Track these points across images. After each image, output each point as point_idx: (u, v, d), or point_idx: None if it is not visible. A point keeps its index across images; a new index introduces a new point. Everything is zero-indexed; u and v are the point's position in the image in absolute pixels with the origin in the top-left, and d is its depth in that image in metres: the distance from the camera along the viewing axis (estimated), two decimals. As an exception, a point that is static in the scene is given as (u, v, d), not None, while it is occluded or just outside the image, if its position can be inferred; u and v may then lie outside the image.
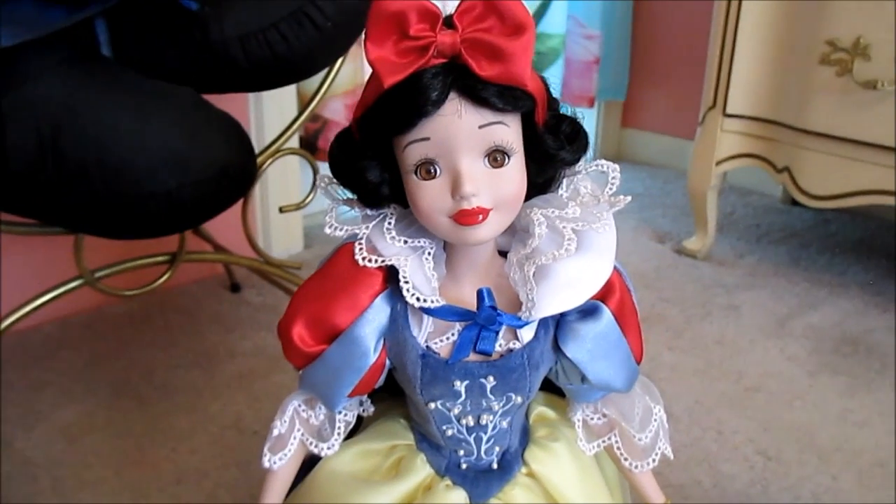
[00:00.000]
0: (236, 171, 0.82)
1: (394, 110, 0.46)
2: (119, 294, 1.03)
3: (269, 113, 1.48)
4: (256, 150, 0.95)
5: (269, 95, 1.46)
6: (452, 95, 0.46)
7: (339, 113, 1.59)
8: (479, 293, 0.50)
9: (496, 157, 0.47)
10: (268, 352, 1.24)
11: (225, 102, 0.91)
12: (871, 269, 1.57)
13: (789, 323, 1.36)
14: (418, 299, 0.49)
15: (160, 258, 1.06)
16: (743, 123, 1.48)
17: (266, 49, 0.81)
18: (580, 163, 0.53)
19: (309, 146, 1.62)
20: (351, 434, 0.60)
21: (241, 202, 0.99)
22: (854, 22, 1.28)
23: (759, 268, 1.58)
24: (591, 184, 0.54)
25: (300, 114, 1.06)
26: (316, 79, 1.05)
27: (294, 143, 1.39)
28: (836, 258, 1.62)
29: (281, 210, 1.10)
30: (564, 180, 0.54)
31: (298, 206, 1.08)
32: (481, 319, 0.51)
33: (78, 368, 1.20)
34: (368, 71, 0.47)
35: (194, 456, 1.01)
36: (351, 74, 1.53)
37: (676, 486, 0.96)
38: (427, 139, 0.46)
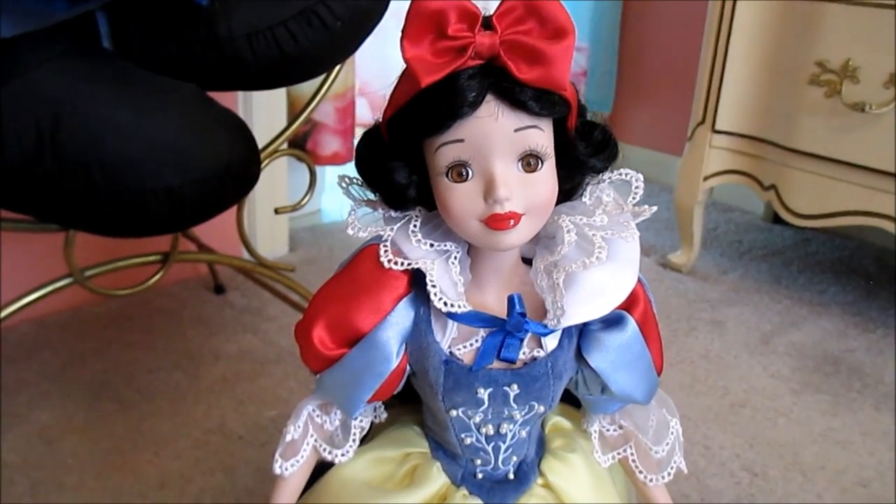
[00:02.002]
0: (240, 169, 0.80)
1: (428, 111, 0.45)
2: (110, 294, 1.00)
3: (258, 114, 1.46)
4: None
5: (258, 96, 1.44)
6: (489, 98, 0.45)
7: (328, 115, 1.57)
8: (511, 299, 0.49)
9: (530, 161, 0.47)
10: (253, 355, 1.22)
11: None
12: (850, 289, 1.59)
13: (772, 340, 1.37)
14: (445, 304, 0.48)
15: (152, 258, 1.03)
16: (731, 140, 1.49)
17: (274, 47, 0.79)
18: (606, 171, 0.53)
19: (297, 148, 1.60)
20: (361, 441, 0.58)
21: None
22: (843, 44, 1.30)
23: (742, 284, 1.59)
24: (614, 192, 0.54)
25: (299, 113, 1.04)
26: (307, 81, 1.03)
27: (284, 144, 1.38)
28: (816, 277, 1.64)
29: (276, 211, 1.08)
30: (588, 188, 0.53)
31: (294, 208, 1.06)
32: (510, 326, 0.50)
33: (56, 369, 1.17)
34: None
35: (177, 461, 0.98)
36: (342, 77, 1.51)
37: (666, 500, 0.96)
38: (461, 141, 0.46)
